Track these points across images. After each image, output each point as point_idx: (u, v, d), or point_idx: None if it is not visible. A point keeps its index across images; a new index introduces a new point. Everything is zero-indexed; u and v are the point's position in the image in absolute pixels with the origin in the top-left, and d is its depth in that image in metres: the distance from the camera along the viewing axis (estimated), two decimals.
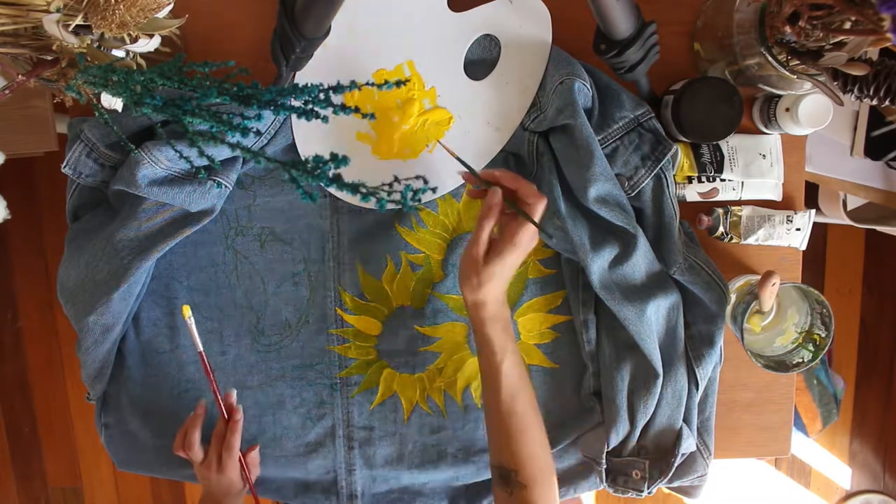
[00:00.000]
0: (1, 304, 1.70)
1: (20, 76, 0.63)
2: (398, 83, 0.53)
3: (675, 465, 0.75)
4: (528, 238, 0.64)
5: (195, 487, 1.71)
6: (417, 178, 0.57)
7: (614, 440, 0.75)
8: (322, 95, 0.51)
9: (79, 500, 1.78)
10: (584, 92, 0.71)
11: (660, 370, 0.73)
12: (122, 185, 0.71)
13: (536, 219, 0.63)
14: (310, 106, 0.51)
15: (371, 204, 0.77)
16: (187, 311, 0.75)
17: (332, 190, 0.80)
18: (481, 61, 0.76)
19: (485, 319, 0.65)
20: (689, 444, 0.76)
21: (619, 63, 0.67)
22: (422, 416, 0.82)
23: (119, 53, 0.64)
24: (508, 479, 0.65)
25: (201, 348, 0.76)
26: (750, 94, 0.78)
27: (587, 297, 0.77)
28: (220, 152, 0.72)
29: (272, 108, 0.53)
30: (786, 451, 0.86)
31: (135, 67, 0.67)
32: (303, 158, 0.77)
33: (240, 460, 0.76)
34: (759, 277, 0.72)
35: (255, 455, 0.79)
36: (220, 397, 0.76)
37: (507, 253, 0.63)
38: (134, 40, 0.64)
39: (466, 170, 0.66)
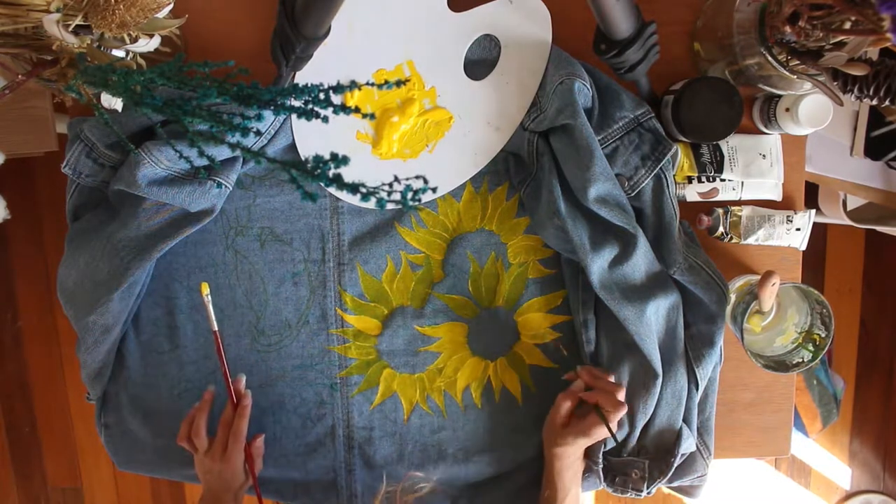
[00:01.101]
0: (1, 304, 1.70)
1: (20, 76, 0.63)
2: (398, 83, 0.53)
3: (675, 465, 0.75)
4: (599, 433, 0.72)
5: (195, 487, 1.71)
6: (417, 177, 0.57)
7: (613, 440, 0.75)
8: (322, 95, 0.51)
9: (79, 500, 1.78)
10: (584, 92, 0.71)
11: (659, 370, 0.73)
12: (123, 185, 0.71)
13: (612, 424, 0.71)
14: (310, 106, 0.51)
15: (371, 204, 0.77)
16: (206, 288, 0.75)
17: (332, 190, 0.80)
18: (481, 61, 0.76)
19: (559, 468, 0.74)
20: (688, 444, 0.76)
21: (619, 63, 0.67)
22: (422, 416, 0.82)
23: (119, 53, 0.64)
24: None
25: (216, 328, 0.76)
26: (750, 94, 0.78)
27: (587, 297, 0.77)
28: (220, 152, 0.72)
29: (272, 108, 0.53)
30: (786, 451, 0.86)
31: (135, 67, 0.68)
32: (303, 158, 0.77)
33: (245, 449, 0.76)
34: (759, 277, 0.72)
35: (259, 444, 0.79)
36: (230, 380, 0.76)
37: (581, 438, 0.73)
38: (134, 40, 0.64)
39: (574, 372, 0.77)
